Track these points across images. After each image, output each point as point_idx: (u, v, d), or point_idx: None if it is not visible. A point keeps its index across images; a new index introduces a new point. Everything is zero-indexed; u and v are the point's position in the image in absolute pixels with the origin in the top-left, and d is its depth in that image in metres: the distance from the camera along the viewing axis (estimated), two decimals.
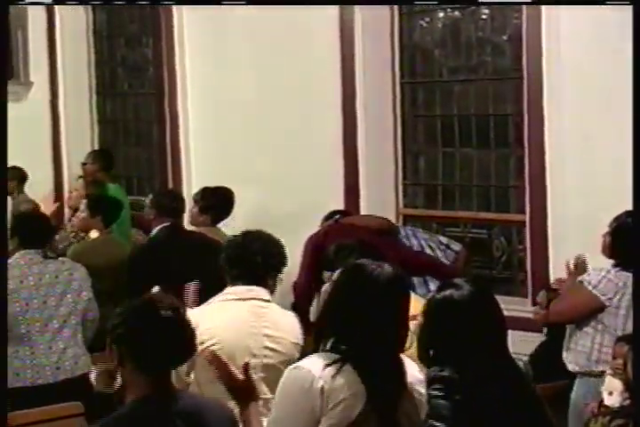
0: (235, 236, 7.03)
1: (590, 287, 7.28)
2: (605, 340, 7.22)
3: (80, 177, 11.89)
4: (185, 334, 4.41)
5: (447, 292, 5.02)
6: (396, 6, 10.59)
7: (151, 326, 4.35)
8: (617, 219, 7.39)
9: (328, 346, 4.65)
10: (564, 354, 7.50)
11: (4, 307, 4.74)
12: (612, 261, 7.40)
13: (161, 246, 9.01)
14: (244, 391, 4.62)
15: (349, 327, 4.62)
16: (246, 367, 4.62)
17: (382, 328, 4.62)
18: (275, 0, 10.55)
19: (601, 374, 7.00)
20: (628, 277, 7.21)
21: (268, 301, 6.26)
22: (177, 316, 4.42)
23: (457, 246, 9.55)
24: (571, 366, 7.42)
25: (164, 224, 9.30)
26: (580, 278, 7.38)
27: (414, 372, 4.74)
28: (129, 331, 4.34)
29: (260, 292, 6.20)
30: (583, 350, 7.35)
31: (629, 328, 7.09)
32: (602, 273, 7.33)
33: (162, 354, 4.37)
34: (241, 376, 4.61)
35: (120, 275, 8.97)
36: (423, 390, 4.70)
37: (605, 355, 7.12)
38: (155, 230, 9.40)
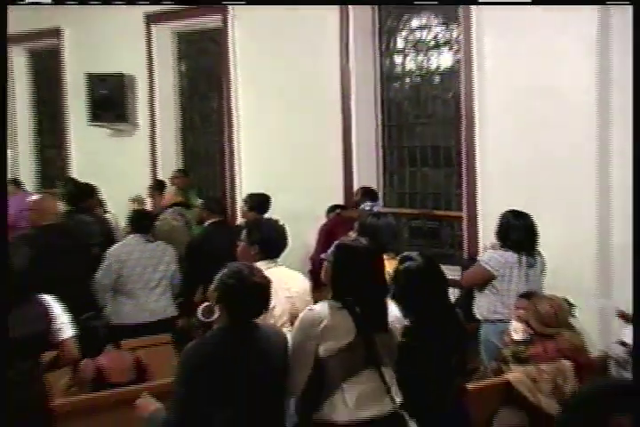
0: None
1: (483, 263, 7.31)
2: (497, 298, 7.18)
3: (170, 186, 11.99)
4: (267, 292, 4.50)
5: (406, 263, 5.20)
6: (378, 71, 10.60)
7: (241, 287, 4.38)
8: (502, 216, 7.46)
9: (330, 296, 4.65)
10: (474, 307, 7.44)
11: (4, 307, 4.44)
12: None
13: (209, 235, 8.92)
14: None
15: (344, 284, 4.62)
16: None
17: (366, 283, 4.61)
18: (275, 0, 10.28)
19: (495, 321, 7.08)
20: (510, 255, 7.23)
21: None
22: (258, 279, 4.46)
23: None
24: (478, 315, 7.35)
25: (212, 220, 9.16)
26: (478, 258, 7.44)
27: (394, 312, 4.74)
28: (225, 289, 4.38)
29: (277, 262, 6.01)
30: (483, 305, 7.30)
31: (517, 290, 7.13)
32: (491, 253, 7.39)
33: (248, 308, 4.43)
34: None
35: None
36: (399, 325, 4.73)
37: (497, 308, 7.14)
38: (206, 224, 9.26)
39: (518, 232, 7.33)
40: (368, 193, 9.94)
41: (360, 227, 7.12)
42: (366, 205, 9.60)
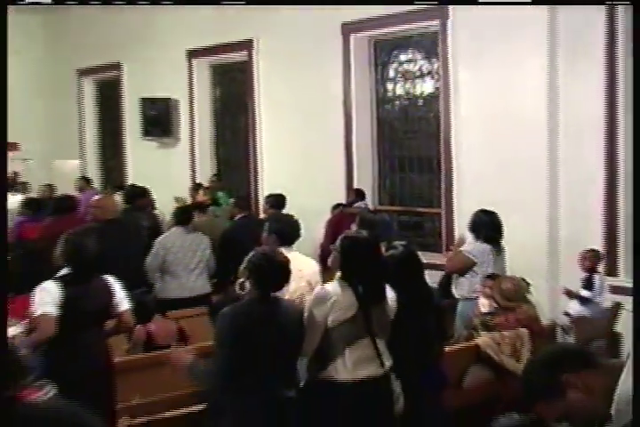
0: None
1: (466, 253, 7.24)
2: (476, 280, 7.08)
3: (205, 188, 11.97)
4: (286, 270, 4.55)
5: (390, 251, 5.19)
6: (374, 95, 10.61)
7: (266, 265, 4.47)
8: (475, 214, 7.40)
9: (336, 278, 4.68)
10: (454, 289, 7.33)
11: (5, 307, 4.34)
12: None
13: (238, 227, 8.85)
14: None
15: (349, 268, 4.63)
16: None
17: (366, 267, 4.61)
18: (275, 0, 10.11)
19: (472, 299, 6.99)
20: (484, 245, 7.20)
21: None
22: (280, 260, 4.54)
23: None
24: (457, 295, 7.27)
25: (241, 215, 9.13)
26: (460, 248, 7.38)
27: (389, 293, 4.70)
28: (254, 267, 4.47)
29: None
30: (464, 286, 7.20)
31: (487, 270, 7.07)
32: (472, 244, 7.33)
33: (271, 282, 4.49)
34: None
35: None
36: (392, 304, 4.70)
37: (476, 288, 7.02)
38: (236, 218, 9.21)
39: (488, 227, 7.29)
40: (360, 194, 9.98)
41: (360, 221, 7.11)
42: (361, 204, 9.62)
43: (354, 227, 7.08)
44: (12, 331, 5.12)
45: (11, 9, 14.87)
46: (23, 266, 7.17)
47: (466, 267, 7.25)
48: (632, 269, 6.15)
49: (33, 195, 12.19)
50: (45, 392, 4.07)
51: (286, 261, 4.56)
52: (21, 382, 3.04)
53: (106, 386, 5.10)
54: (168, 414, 4.63)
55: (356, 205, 9.77)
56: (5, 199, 6.36)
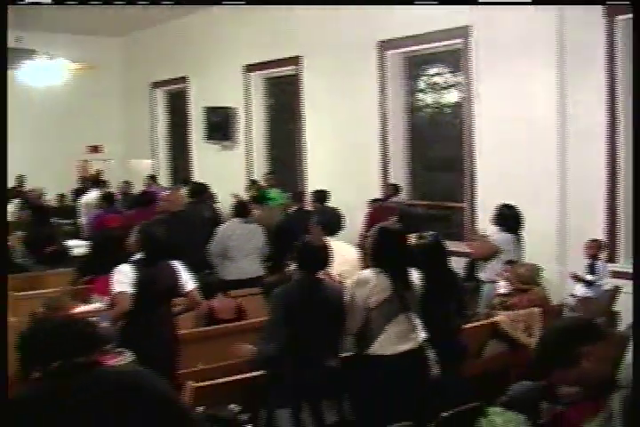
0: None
1: (492, 241, 7.24)
2: (497, 266, 7.05)
3: (259, 185, 11.98)
4: (327, 255, 4.60)
5: (420, 240, 5.20)
6: (407, 104, 10.53)
7: (311, 250, 4.56)
8: (498, 208, 7.39)
9: (371, 264, 4.66)
10: (480, 273, 7.36)
11: (5, 306, 4.27)
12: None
13: (292, 218, 8.90)
14: None
15: (383, 256, 4.61)
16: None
17: (397, 255, 4.63)
18: (275, 0, 9.90)
19: (494, 281, 6.96)
20: (508, 235, 7.20)
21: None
22: (320, 245, 4.62)
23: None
24: (482, 277, 7.28)
25: (294, 207, 9.24)
26: (487, 238, 7.38)
27: (415, 275, 4.69)
28: (301, 253, 4.56)
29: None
30: (489, 270, 7.17)
31: (509, 258, 7.04)
32: (497, 234, 7.30)
33: (314, 265, 4.56)
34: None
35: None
36: (418, 284, 4.68)
37: (496, 272, 6.98)
38: (290, 210, 9.32)
39: (510, 219, 7.28)
40: (396, 189, 10.00)
41: (400, 214, 7.14)
42: (397, 198, 9.60)
43: (393, 219, 7.09)
44: (95, 306, 5.19)
45: (94, 31, 14.85)
46: (104, 251, 7.24)
47: (491, 254, 7.22)
48: (632, 255, 6.07)
49: (112, 190, 12.29)
50: (123, 358, 4.15)
51: (326, 247, 4.61)
52: (102, 349, 3.10)
53: (171, 354, 5.16)
54: (228, 379, 4.66)
55: (393, 199, 9.76)
56: (5, 199, 6.13)
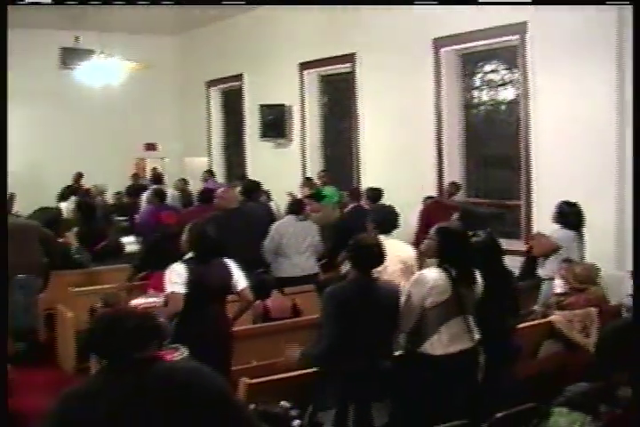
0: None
1: (552, 238, 7.18)
2: (556, 262, 7.00)
3: (313, 183, 11.99)
4: (381, 253, 4.58)
5: (473, 239, 5.12)
6: (462, 101, 10.47)
7: (365, 249, 4.54)
8: (559, 205, 7.33)
9: (434, 264, 4.66)
10: (539, 270, 7.29)
11: (4, 307, 4.18)
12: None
13: (349, 216, 8.92)
14: None
15: (444, 256, 4.61)
16: None
17: (459, 255, 4.61)
18: (275, 0, 9.77)
19: (553, 279, 6.82)
20: (569, 232, 7.17)
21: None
22: (373, 244, 4.59)
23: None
24: (541, 274, 7.20)
25: (352, 205, 9.25)
26: (547, 236, 7.32)
27: (477, 276, 4.69)
28: (352, 250, 4.56)
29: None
30: (549, 267, 7.10)
31: (570, 255, 7.01)
32: (558, 231, 7.25)
33: (368, 263, 4.54)
34: None
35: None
36: (479, 285, 4.68)
37: (556, 269, 6.86)
38: (348, 208, 9.36)
39: (572, 216, 7.23)
40: (458, 187, 9.96)
41: (463, 213, 7.08)
42: (459, 197, 9.55)
43: (455, 216, 7.06)
44: (152, 300, 5.26)
45: (150, 30, 15.08)
46: (159, 247, 7.31)
47: (551, 250, 7.17)
48: (632, 256, 5.96)
49: (166, 188, 12.44)
50: (180, 353, 4.20)
51: (379, 246, 4.59)
52: (161, 344, 3.14)
53: (225, 351, 5.20)
54: (282, 376, 4.69)
55: (455, 198, 9.72)
56: (5, 198, 6.20)
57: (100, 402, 2.61)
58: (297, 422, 3.25)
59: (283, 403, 3.28)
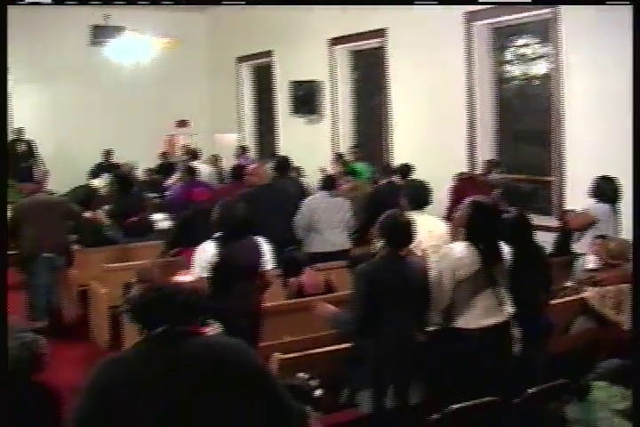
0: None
1: (588, 212, 7.19)
2: (591, 237, 6.95)
3: (344, 159, 11.99)
4: (412, 231, 4.57)
5: (504, 215, 5.09)
6: (494, 76, 10.40)
7: (396, 227, 4.53)
8: (595, 180, 7.32)
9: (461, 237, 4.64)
10: (574, 245, 7.28)
11: (4, 306, 4.22)
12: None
13: (382, 192, 8.90)
14: None
15: (474, 229, 4.57)
16: None
17: (488, 228, 4.59)
18: (275, 0, 9.72)
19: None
20: (605, 206, 7.16)
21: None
22: (404, 221, 4.57)
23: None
24: (579, 250, 7.16)
25: (385, 180, 9.26)
26: (583, 209, 7.32)
27: (505, 249, 4.67)
28: (386, 226, 4.54)
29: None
30: (582, 242, 7.11)
31: (606, 231, 6.98)
32: (594, 205, 7.25)
33: (399, 241, 4.53)
34: None
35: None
36: (508, 258, 4.66)
37: (591, 245, 6.85)
38: (380, 183, 9.36)
39: (609, 191, 7.22)
40: (497, 164, 9.92)
41: (504, 189, 7.06)
42: (496, 174, 9.50)
43: (495, 193, 6.99)
44: (189, 278, 5.29)
45: (180, 7, 15.11)
46: (192, 223, 7.36)
47: (588, 224, 7.16)
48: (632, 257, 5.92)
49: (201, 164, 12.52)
50: (213, 329, 4.26)
51: (410, 223, 4.58)
52: (203, 320, 3.20)
53: (255, 327, 5.24)
54: (314, 351, 4.72)
55: (493, 175, 9.67)
56: (6, 197, 6.27)
57: (136, 372, 2.69)
58: (318, 391, 3.29)
59: (301, 374, 3.31)
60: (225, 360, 2.75)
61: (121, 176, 9.68)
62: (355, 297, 4.46)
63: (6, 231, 5.27)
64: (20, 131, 14.51)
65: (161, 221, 9.75)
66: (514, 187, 7.50)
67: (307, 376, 3.32)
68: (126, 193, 9.27)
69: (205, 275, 5.09)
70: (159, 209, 10.32)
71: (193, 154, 13.38)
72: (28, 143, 14.51)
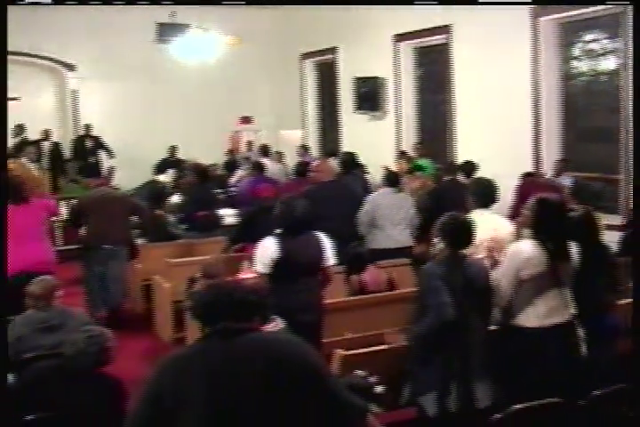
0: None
1: None
2: None
3: (409, 156, 11.93)
4: (472, 232, 4.54)
5: (571, 213, 5.01)
6: (560, 72, 10.25)
7: (457, 228, 4.51)
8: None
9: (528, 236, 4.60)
10: None
11: (4, 305, 4.18)
12: None
13: (445, 189, 8.73)
14: None
15: (541, 228, 4.51)
16: None
17: (556, 226, 4.52)
18: (275, 0, 9.61)
19: None
20: None
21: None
22: (464, 222, 4.55)
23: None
24: None
25: (448, 178, 9.08)
26: None
27: (573, 249, 4.59)
28: (447, 227, 4.52)
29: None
30: None
31: None
32: None
33: (460, 242, 4.50)
34: None
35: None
36: (575, 258, 4.59)
37: None
38: (444, 180, 9.24)
39: None
40: (567, 163, 9.79)
41: (576, 188, 7.10)
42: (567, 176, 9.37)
43: (567, 192, 6.88)
44: (250, 274, 5.31)
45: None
46: (256, 220, 7.40)
47: None
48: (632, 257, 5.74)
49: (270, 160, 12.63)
50: (275, 324, 4.27)
51: (469, 223, 4.55)
52: (265, 318, 3.22)
53: (316, 323, 5.26)
54: (377, 348, 4.72)
55: (563, 174, 9.53)
56: (6, 196, 6.21)
57: (194, 369, 2.70)
58: (379, 388, 3.27)
59: (359, 372, 3.30)
60: (280, 358, 2.75)
61: (200, 169, 9.72)
62: (426, 294, 4.42)
63: (6, 230, 5.30)
64: (88, 127, 14.79)
65: (228, 216, 9.82)
66: (584, 185, 7.34)
67: (363, 374, 3.31)
68: (201, 187, 9.34)
69: (267, 271, 5.14)
70: (227, 205, 10.40)
71: (263, 150, 13.46)
72: (96, 139, 14.79)
